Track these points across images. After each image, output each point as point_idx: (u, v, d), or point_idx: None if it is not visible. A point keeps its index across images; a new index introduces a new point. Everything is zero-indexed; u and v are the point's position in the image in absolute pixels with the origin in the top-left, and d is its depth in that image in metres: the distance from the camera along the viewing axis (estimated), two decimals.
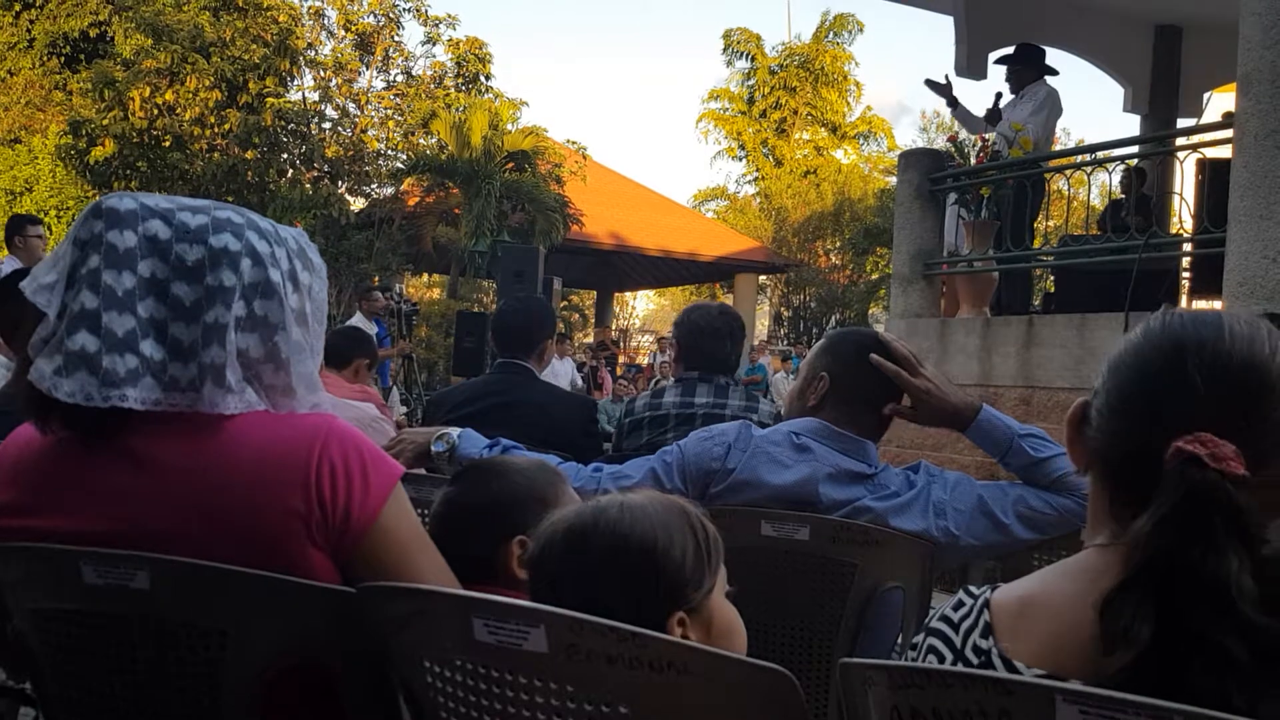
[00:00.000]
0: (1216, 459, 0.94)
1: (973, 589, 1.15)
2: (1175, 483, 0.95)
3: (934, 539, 2.07)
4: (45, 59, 17.62)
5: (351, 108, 18.88)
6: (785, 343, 25.16)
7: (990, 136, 6.99)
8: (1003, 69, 7.49)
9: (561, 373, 14.55)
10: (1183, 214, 6.31)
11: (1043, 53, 7.53)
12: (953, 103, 7.68)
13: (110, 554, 1.25)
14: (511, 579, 1.47)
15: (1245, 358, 1.00)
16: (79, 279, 1.28)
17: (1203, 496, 0.93)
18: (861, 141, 32.78)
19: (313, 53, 18.23)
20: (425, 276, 26.78)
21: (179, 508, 1.27)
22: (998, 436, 2.16)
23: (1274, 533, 0.95)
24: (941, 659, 1.11)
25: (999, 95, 7.56)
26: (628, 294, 35.66)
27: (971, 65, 8.23)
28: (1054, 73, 7.42)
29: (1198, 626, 0.90)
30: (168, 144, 15.58)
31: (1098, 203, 8.32)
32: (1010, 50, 7.56)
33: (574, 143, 21.27)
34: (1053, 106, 7.25)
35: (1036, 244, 6.90)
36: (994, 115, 7.51)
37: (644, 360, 22.35)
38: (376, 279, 15.52)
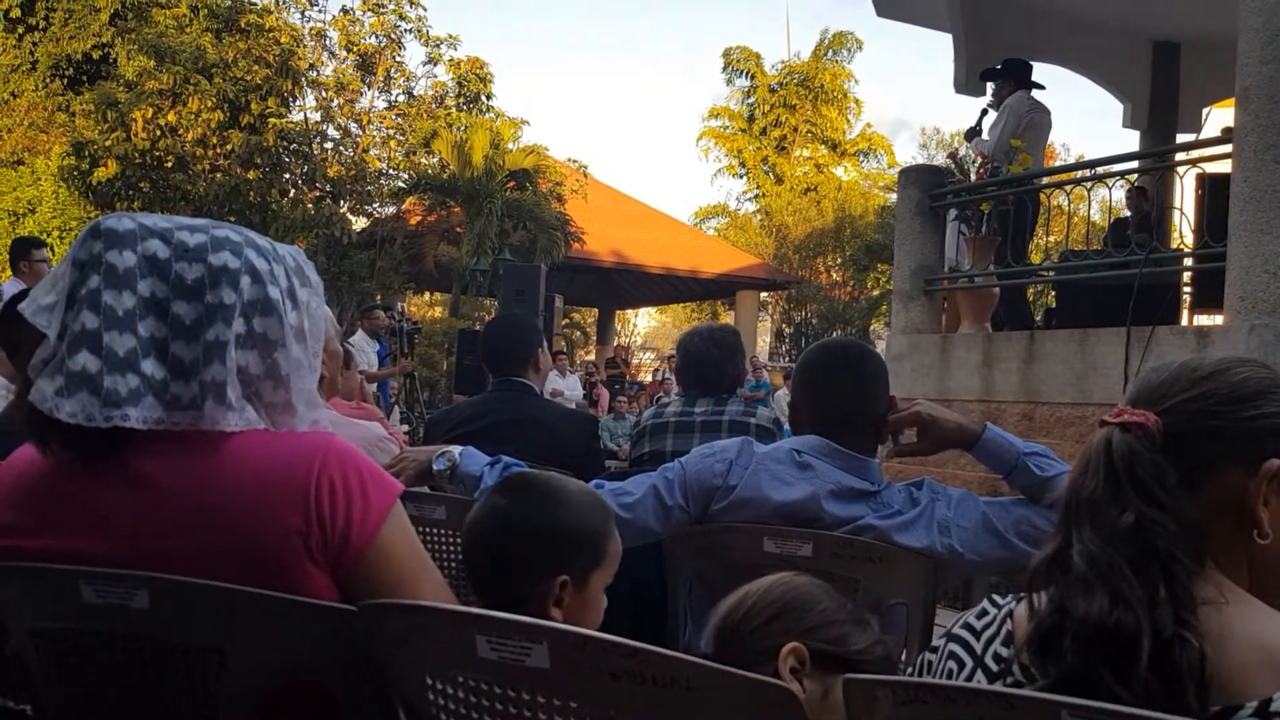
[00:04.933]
0: (1115, 415, 1.09)
1: (997, 598, 1.16)
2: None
3: (938, 555, 2.06)
4: (48, 81, 17.69)
5: (353, 128, 18.96)
6: (787, 359, 25.14)
7: (990, 153, 6.99)
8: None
9: (568, 388, 14.57)
10: (1183, 228, 6.32)
11: (1027, 67, 7.49)
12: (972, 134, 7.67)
13: (109, 573, 1.24)
14: (543, 618, 1.34)
15: (1178, 364, 1.14)
16: (79, 300, 1.27)
17: (1098, 441, 1.08)
18: (862, 158, 32.89)
19: (314, 73, 18.31)
20: (427, 295, 26.81)
21: (178, 527, 1.27)
22: (1003, 456, 2.15)
23: None
24: (961, 664, 1.13)
25: (984, 112, 7.58)
26: (629, 311, 35.68)
27: (970, 82, 8.25)
28: (1037, 86, 7.38)
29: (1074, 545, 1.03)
30: (170, 165, 15.61)
31: (1098, 218, 8.33)
32: (998, 66, 7.59)
33: (575, 161, 21.33)
34: (1014, 118, 7.08)
35: (1037, 259, 6.89)
36: (972, 132, 7.54)
37: (646, 378, 22.34)
38: (379, 297, 15.54)
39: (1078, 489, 1.07)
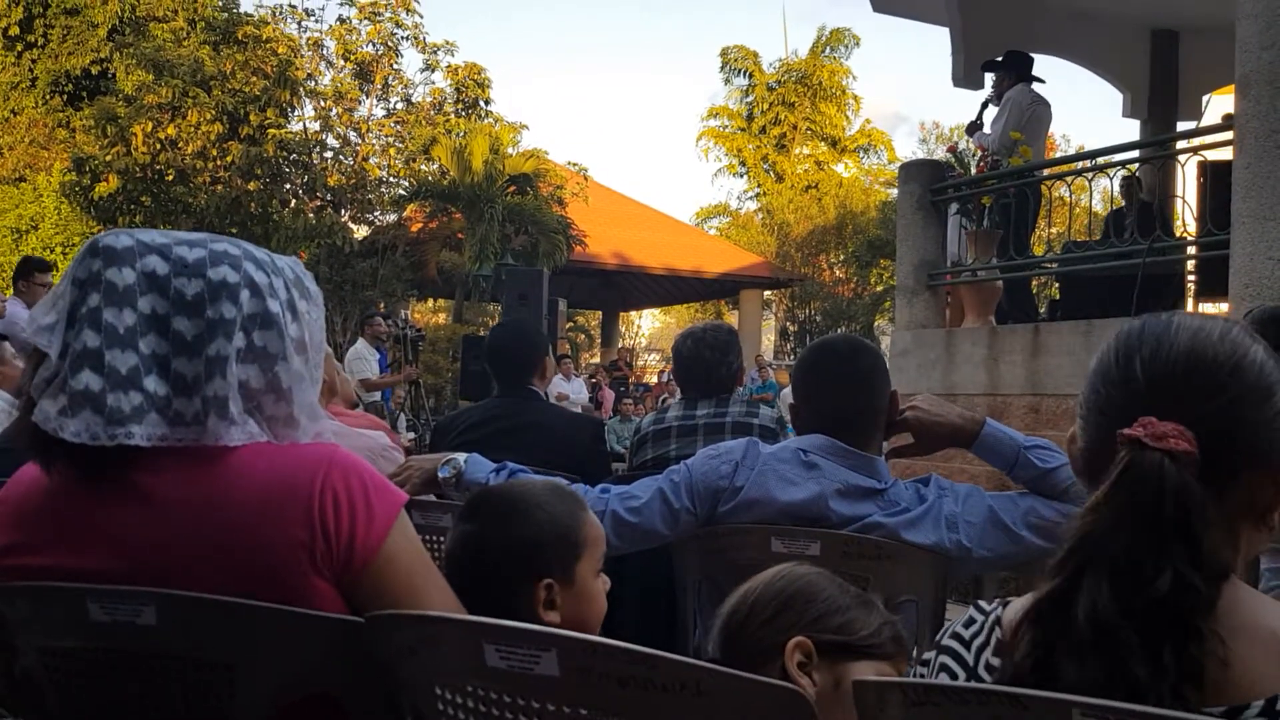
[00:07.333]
0: (1156, 437, 0.94)
1: (984, 605, 1.13)
2: (1118, 465, 0.96)
3: (946, 552, 2.05)
4: (48, 97, 17.77)
5: (352, 136, 18.99)
6: (792, 357, 25.13)
7: (991, 146, 6.98)
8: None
9: (574, 392, 14.57)
10: (1186, 217, 6.30)
11: (1029, 59, 7.46)
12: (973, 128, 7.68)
13: (117, 590, 1.24)
14: (537, 624, 1.36)
15: (1187, 347, 1.01)
16: (80, 318, 1.27)
17: (1141, 473, 0.93)
18: (862, 154, 32.84)
19: (313, 83, 18.33)
20: (430, 302, 26.83)
21: (183, 543, 1.26)
22: (1004, 450, 2.15)
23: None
24: (954, 677, 1.10)
25: (984, 105, 7.57)
26: (633, 313, 35.69)
27: (969, 75, 8.24)
28: (1037, 79, 7.36)
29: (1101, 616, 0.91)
30: (171, 178, 15.66)
31: (1100, 208, 8.31)
32: (999, 58, 7.57)
33: (575, 164, 21.36)
34: (1016, 111, 7.08)
35: (1039, 251, 6.88)
36: (973, 125, 7.54)
37: (651, 379, 22.33)
38: (382, 306, 15.56)
39: (1107, 537, 0.93)
